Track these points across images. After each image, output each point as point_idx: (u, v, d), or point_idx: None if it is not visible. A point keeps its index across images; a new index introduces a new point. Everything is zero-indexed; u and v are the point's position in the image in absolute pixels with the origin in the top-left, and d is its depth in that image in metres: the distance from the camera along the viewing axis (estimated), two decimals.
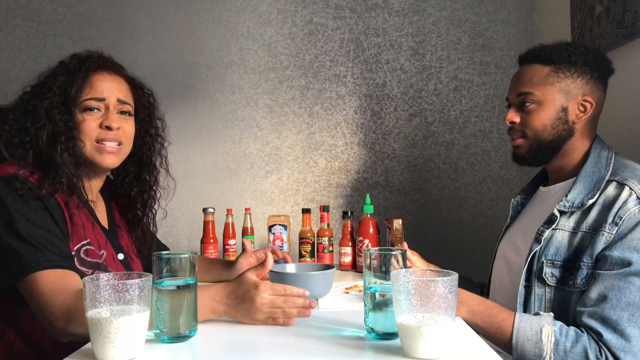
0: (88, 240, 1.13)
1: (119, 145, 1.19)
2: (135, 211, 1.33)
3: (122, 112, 1.21)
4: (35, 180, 1.06)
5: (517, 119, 1.26)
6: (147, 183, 1.33)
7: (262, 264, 1.09)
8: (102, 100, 1.17)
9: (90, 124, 1.15)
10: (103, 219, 1.25)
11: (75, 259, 1.08)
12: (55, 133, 1.11)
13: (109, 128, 1.16)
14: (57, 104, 1.13)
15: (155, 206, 1.37)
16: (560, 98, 1.21)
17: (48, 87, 1.14)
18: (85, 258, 1.10)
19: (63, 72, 1.16)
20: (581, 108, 1.22)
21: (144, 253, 1.33)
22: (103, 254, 1.16)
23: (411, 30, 2.20)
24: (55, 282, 0.97)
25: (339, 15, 2.21)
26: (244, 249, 1.49)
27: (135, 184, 1.32)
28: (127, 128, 1.21)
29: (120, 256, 1.23)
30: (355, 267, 1.73)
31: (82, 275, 1.04)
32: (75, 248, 1.10)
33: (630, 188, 1.10)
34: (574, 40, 1.79)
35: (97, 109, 1.17)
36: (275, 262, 1.41)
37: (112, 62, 1.23)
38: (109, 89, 1.18)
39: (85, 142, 1.15)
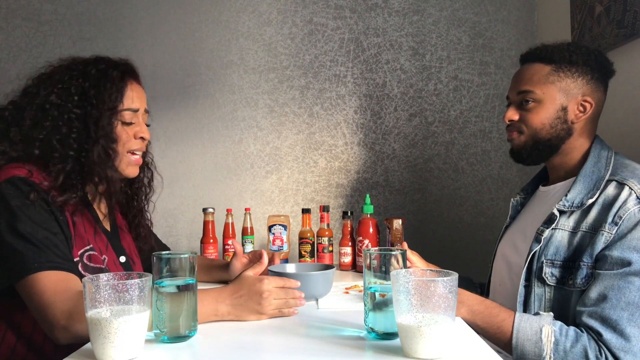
0: (91, 245, 1.13)
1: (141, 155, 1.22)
2: (132, 209, 1.34)
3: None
4: (46, 187, 1.06)
5: (517, 117, 1.26)
6: (142, 180, 1.34)
7: (258, 262, 1.13)
8: (136, 111, 1.18)
9: (130, 135, 1.17)
10: (105, 222, 1.25)
11: (80, 264, 1.08)
12: (107, 150, 1.12)
13: (142, 139, 1.19)
14: (105, 117, 1.12)
15: (153, 198, 1.38)
16: (560, 97, 1.21)
17: (96, 97, 1.12)
18: (89, 263, 1.11)
19: (103, 82, 1.13)
20: (580, 108, 1.22)
21: (144, 250, 1.34)
22: (105, 258, 1.16)
23: (411, 30, 2.20)
24: (57, 283, 0.97)
25: (339, 15, 2.21)
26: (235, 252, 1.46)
27: (134, 181, 1.32)
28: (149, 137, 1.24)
29: (122, 259, 1.23)
30: (355, 267, 1.72)
31: None
32: (79, 253, 1.10)
33: (630, 188, 1.10)
34: (574, 40, 1.79)
35: (132, 120, 1.18)
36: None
37: (137, 71, 1.24)
38: (140, 100, 1.20)
39: (122, 154, 1.16)
